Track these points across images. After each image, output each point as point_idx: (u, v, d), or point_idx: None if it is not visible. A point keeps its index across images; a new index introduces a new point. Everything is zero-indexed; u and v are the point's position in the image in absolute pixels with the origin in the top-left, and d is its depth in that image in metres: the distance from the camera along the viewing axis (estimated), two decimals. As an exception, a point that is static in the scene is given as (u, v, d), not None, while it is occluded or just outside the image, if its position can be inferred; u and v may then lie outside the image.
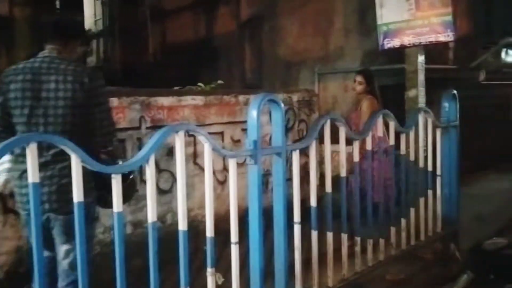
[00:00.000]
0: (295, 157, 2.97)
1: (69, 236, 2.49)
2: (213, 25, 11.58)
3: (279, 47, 10.04)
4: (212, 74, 9.64)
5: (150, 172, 2.21)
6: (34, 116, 2.54)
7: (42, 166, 2.34)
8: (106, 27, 14.74)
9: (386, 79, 7.98)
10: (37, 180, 1.90)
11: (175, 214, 3.97)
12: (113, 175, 2.07)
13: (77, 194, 2.00)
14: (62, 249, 2.64)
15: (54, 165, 2.52)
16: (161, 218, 4.40)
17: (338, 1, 9.00)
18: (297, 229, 2.97)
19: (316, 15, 9.35)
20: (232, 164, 2.60)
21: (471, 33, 9.10)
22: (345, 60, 8.82)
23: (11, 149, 1.98)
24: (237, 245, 2.63)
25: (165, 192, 4.49)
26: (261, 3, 10.43)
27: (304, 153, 3.63)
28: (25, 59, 2.68)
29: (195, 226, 4.16)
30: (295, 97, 5.79)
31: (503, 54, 9.91)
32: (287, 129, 5.55)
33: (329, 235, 3.21)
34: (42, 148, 2.42)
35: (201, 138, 2.47)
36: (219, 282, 3.55)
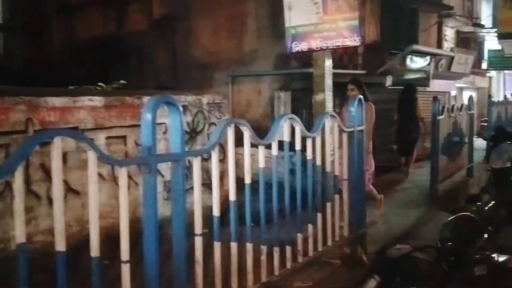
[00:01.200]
0: (196, 164, 2.79)
1: None
2: (123, 22, 11.08)
3: (193, 48, 9.80)
4: (122, 73, 9.19)
5: (17, 187, 1.91)
6: None
7: None
8: (7, 20, 13.62)
9: (297, 82, 8.05)
10: None
11: (68, 226, 3.62)
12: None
13: None
14: None
15: None
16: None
17: (251, 4, 8.94)
18: (198, 241, 2.79)
19: (230, 17, 9.23)
20: (122, 173, 2.36)
21: (379, 39, 9.44)
22: (258, 63, 8.77)
23: None
24: (128, 264, 2.38)
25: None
26: (174, 3, 10.13)
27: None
28: None
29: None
30: (205, 100, 5.58)
31: (408, 60, 10.40)
32: (196, 133, 5.34)
33: (233, 245, 3.06)
34: None
35: (83, 145, 2.20)
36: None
